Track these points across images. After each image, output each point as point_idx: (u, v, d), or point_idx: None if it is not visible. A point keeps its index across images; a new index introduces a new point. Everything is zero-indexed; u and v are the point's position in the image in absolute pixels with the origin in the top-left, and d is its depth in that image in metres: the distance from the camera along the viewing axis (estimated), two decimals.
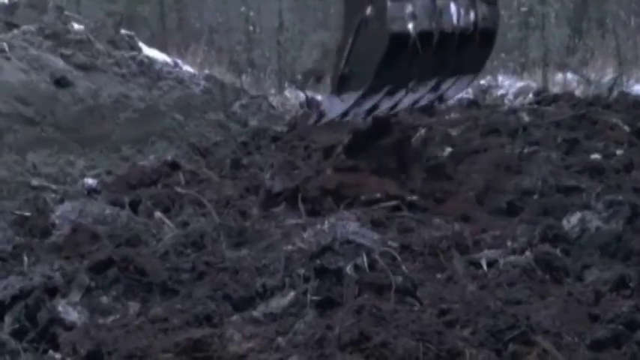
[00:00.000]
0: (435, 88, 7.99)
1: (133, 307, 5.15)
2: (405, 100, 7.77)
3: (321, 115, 7.30)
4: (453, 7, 7.45)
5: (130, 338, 4.54)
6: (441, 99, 8.31)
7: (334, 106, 7.29)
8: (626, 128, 10.22)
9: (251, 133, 12.01)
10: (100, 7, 21.35)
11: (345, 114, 7.31)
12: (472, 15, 7.66)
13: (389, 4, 6.95)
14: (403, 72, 7.39)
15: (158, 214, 7.21)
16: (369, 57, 7.09)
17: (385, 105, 7.60)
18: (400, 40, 7.04)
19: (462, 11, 7.57)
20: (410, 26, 7.04)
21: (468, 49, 7.80)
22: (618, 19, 20.37)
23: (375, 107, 7.54)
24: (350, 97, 7.29)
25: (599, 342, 4.35)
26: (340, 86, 7.27)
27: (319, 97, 16.01)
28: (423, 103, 8.09)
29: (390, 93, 7.52)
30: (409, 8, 7.06)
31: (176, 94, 12.62)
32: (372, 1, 7.03)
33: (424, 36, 7.15)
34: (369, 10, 7.00)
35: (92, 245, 6.18)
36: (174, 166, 9.31)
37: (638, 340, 4.35)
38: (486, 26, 7.87)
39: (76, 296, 5.19)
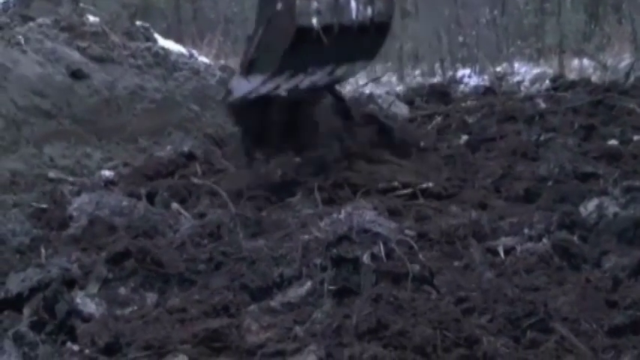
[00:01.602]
0: (331, 73, 8.68)
1: (151, 298, 5.17)
2: (304, 82, 8.43)
3: (229, 93, 7.85)
4: (353, 4, 8.27)
5: (147, 329, 4.55)
6: (335, 81, 9.01)
7: (241, 86, 7.99)
8: None
9: None
10: None
11: (249, 93, 7.91)
12: (369, 10, 8.47)
13: (297, 2, 7.63)
14: (304, 59, 8.14)
15: (175, 205, 7.23)
16: (276, 46, 7.79)
17: (285, 86, 8.22)
18: (305, 32, 7.76)
19: (361, 7, 8.40)
20: (314, 21, 7.82)
21: (364, 40, 8.61)
22: (635, 4, 20.24)
23: (276, 88, 8.16)
24: (256, 79, 7.91)
25: (617, 328, 4.34)
26: (249, 69, 7.94)
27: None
28: (319, 84, 8.74)
29: (291, 76, 8.17)
30: (315, 5, 7.81)
31: (192, 84, 12.62)
32: None
33: (326, 29, 7.90)
34: (279, 6, 7.69)
35: (109, 237, 6.20)
36: (191, 156, 9.32)
37: None
38: (382, 20, 8.68)
39: (93, 288, 5.21)
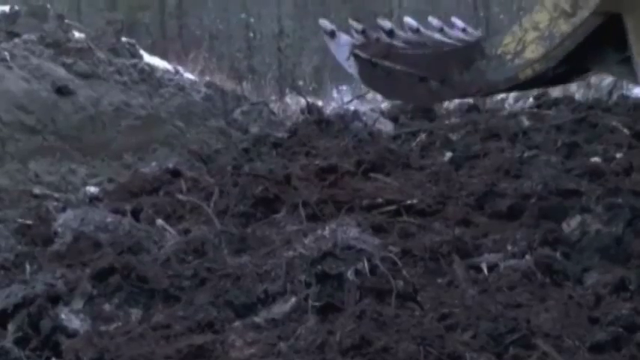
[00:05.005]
0: None
1: (135, 314, 5.17)
2: None
3: (332, 34, 7.25)
4: None
5: (132, 345, 4.56)
6: None
7: (341, 51, 7.25)
8: (626, 131, 10.22)
9: (252, 139, 12.01)
10: (101, 14, 21.36)
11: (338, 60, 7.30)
12: None
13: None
14: None
15: (160, 221, 7.22)
16: (410, 89, 7.17)
17: None
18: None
19: None
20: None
21: None
22: None
23: None
24: (353, 67, 7.27)
25: (599, 345, 4.37)
26: (363, 67, 7.23)
27: (320, 103, 16.03)
28: None
29: None
30: None
31: (177, 101, 12.64)
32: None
33: None
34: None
35: (94, 253, 6.18)
36: (176, 173, 9.30)
37: (638, 342, 4.37)
38: None
39: (78, 304, 5.21)
